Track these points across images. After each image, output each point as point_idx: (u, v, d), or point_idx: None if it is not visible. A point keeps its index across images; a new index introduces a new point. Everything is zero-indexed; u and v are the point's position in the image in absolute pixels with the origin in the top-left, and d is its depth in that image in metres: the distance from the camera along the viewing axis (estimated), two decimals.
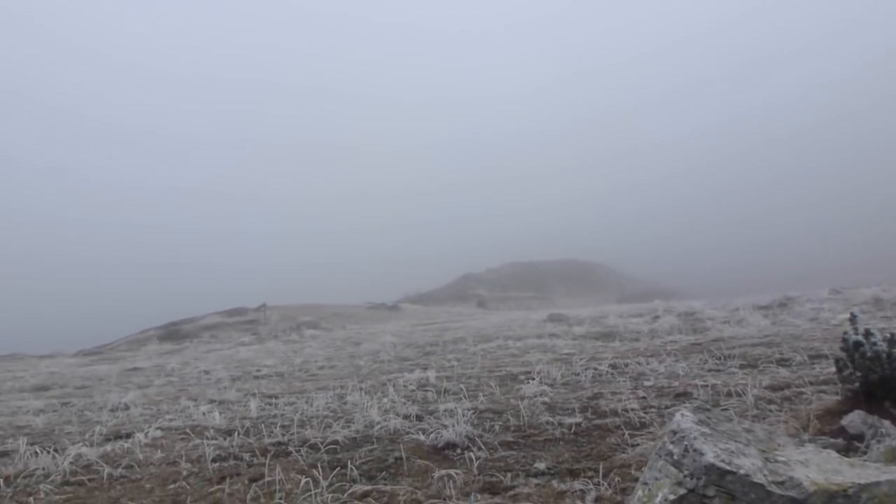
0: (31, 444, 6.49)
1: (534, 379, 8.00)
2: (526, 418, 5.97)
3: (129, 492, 4.85)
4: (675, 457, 2.78)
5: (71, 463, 5.65)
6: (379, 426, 6.07)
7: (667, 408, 5.96)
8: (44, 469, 5.57)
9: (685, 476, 2.70)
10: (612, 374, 8.01)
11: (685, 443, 2.79)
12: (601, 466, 4.36)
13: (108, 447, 6.30)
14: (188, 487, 4.82)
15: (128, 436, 6.78)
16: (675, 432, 2.89)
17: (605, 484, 4.06)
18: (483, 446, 5.16)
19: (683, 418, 2.98)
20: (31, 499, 4.84)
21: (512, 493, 4.15)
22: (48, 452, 5.98)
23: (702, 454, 2.69)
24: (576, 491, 4.04)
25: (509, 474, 4.49)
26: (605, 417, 5.85)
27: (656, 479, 2.78)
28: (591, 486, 4.04)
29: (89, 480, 5.22)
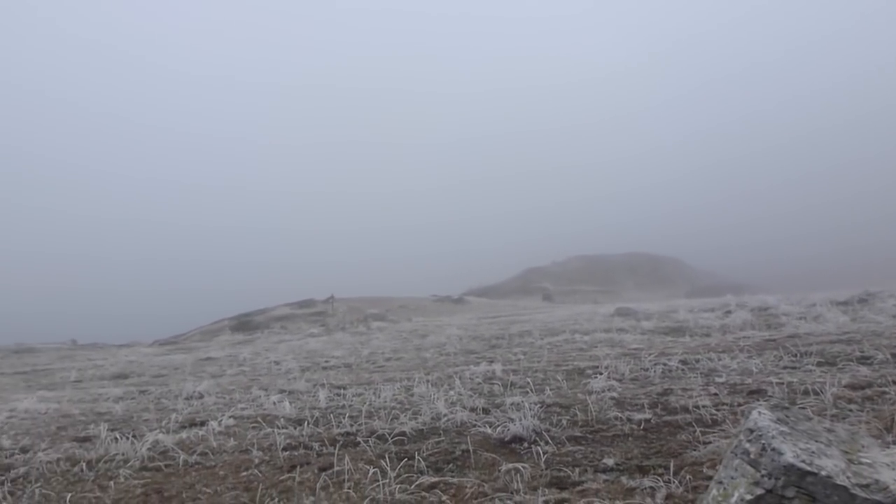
0: (112, 430, 6.74)
1: (602, 374, 7.91)
2: (594, 413, 5.90)
3: (203, 478, 4.99)
4: (752, 456, 2.70)
5: (148, 449, 5.84)
6: (446, 418, 6.09)
7: (740, 405, 5.81)
8: (123, 454, 5.77)
9: (763, 476, 2.62)
10: (683, 369, 7.85)
11: (763, 441, 2.70)
12: (672, 464, 4.28)
13: (184, 434, 6.49)
14: (260, 475, 4.93)
15: (202, 424, 6.97)
16: (751, 430, 2.80)
17: (676, 482, 3.99)
18: (550, 441, 5.12)
19: (761, 416, 2.88)
20: (112, 483, 5.03)
21: (580, 488, 4.11)
22: (127, 438, 6.20)
23: (781, 454, 2.60)
24: (646, 488, 3.97)
25: (577, 469, 4.44)
26: (675, 414, 5.73)
27: (732, 478, 2.70)
28: (662, 484, 3.97)
29: (166, 466, 5.40)
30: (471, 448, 5.06)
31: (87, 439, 6.74)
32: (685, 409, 5.81)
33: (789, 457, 2.59)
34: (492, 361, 10.14)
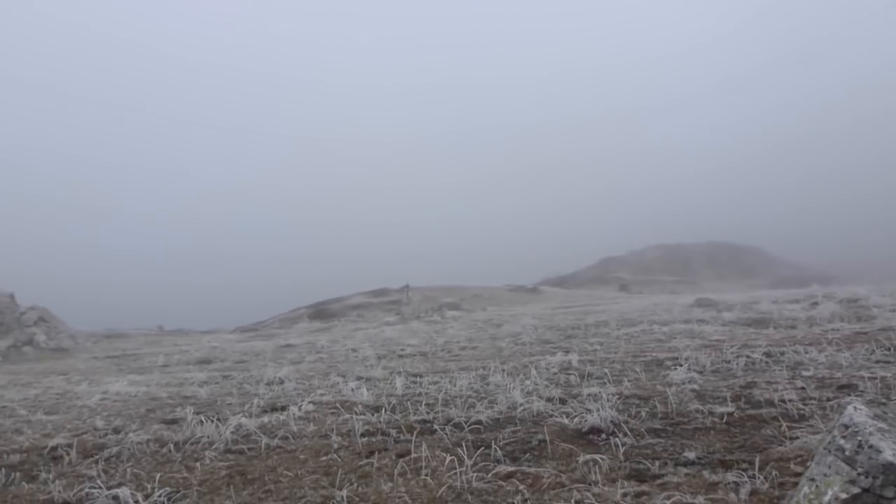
0: (197, 413, 6.96)
1: (681, 365, 7.73)
2: (674, 405, 5.78)
3: (284, 462, 5.10)
4: (847, 453, 2.59)
5: (232, 432, 6.00)
6: (522, 408, 6.07)
7: (828, 400, 5.59)
8: (208, 437, 5.96)
9: (859, 474, 2.51)
10: (767, 362, 7.60)
11: (859, 438, 2.59)
12: (757, 459, 4.15)
13: (265, 419, 6.65)
14: (339, 460, 5.01)
15: (283, 408, 7.13)
16: (846, 426, 2.68)
17: (762, 477, 3.86)
18: (629, 432, 5.04)
19: (857, 412, 2.76)
20: (198, 464, 5.20)
21: (660, 481, 4.03)
22: (212, 422, 6.39)
23: (879, 451, 2.49)
24: (729, 483, 3.86)
25: (657, 462, 4.36)
26: (759, 408, 5.56)
27: (825, 475, 2.60)
28: (746, 479, 3.85)
29: (248, 449, 5.54)
30: (548, 438, 5.03)
31: (174, 421, 6.98)
32: (770, 403, 5.63)
33: (888, 455, 2.47)
34: (568, 351, 10.05)
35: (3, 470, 5.29)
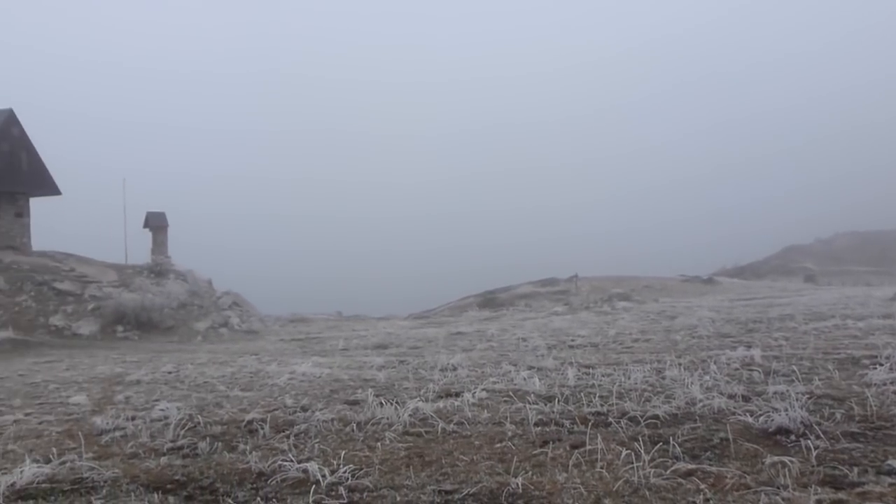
0: (377, 396, 7.26)
1: (882, 364, 7.11)
2: (874, 408, 5.33)
3: (460, 447, 5.21)
4: None
5: (410, 415, 6.20)
6: (701, 404, 5.83)
7: None
8: (387, 419, 6.19)
9: None
10: None
11: None
12: None
13: (441, 404, 6.81)
14: (513, 448, 5.05)
15: (457, 395, 7.27)
16: None
17: None
18: (822, 435, 4.70)
19: None
20: (379, 444, 5.42)
21: (859, 490, 3.73)
22: (391, 404, 6.64)
23: None
24: None
25: (855, 469, 4.04)
26: None
27: None
28: None
29: (425, 432, 5.70)
30: (730, 437, 4.80)
31: (355, 402, 7.31)
32: None
33: None
34: (749, 346, 9.55)
35: (207, 439, 5.78)
